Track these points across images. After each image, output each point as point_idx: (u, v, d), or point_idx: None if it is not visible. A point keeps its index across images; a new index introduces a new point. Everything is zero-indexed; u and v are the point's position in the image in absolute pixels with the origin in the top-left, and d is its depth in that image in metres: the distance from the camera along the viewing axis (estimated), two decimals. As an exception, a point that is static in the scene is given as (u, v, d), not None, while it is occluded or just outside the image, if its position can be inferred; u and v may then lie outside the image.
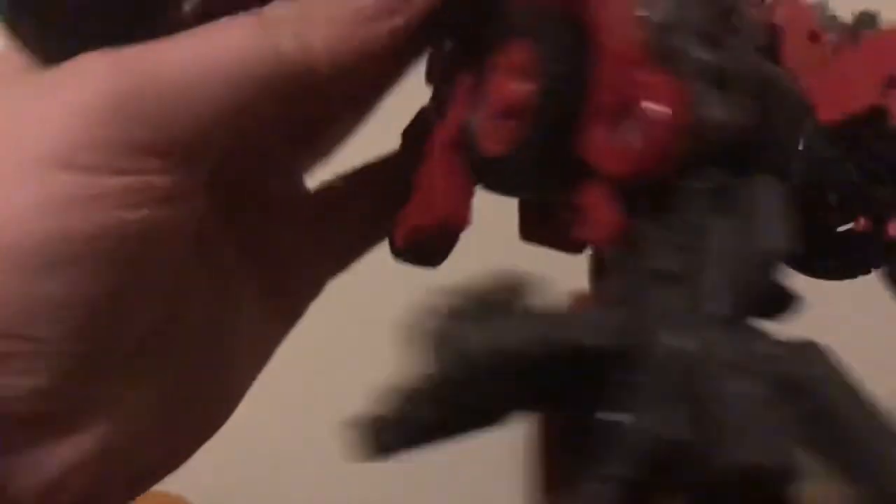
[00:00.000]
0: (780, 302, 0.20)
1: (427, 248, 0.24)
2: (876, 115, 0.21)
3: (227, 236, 0.26)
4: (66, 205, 0.20)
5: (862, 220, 0.22)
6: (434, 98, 0.26)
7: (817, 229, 0.22)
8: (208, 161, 0.22)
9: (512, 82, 0.22)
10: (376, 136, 0.28)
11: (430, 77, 0.26)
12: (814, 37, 0.25)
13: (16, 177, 0.20)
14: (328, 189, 0.28)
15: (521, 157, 0.21)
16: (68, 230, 0.20)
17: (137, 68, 0.21)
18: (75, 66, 0.21)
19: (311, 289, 0.28)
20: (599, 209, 0.21)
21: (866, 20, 0.25)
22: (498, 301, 0.19)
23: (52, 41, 0.21)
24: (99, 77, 0.20)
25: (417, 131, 0.26)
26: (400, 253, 0.25)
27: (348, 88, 0.24)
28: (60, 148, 0.20)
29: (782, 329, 0.20)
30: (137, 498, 0.24)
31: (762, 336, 0.19)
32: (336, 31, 0.21)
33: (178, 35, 0.21)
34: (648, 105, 0.19)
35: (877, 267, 0.22)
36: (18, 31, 0.21)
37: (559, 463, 0.21)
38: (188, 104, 0.21)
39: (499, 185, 0.23)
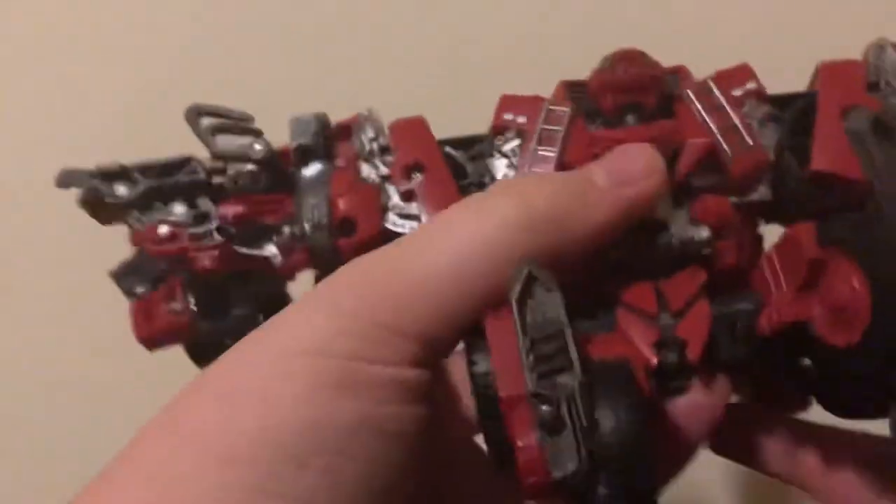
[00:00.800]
0: None
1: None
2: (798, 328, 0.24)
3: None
4: (324, 393, 0.21)
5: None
6: None
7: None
8: (446, 350, 0.23)
9: None
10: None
11: None
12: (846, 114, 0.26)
13: (277, 367, 0.22)
14: None
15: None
16: (324, 420, 0.21)
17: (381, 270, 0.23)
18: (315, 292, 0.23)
19: None
20: None
21: None
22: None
23: None
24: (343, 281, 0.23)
25: None
26: None
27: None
28: (316, 338, 0.22)
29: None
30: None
31: None
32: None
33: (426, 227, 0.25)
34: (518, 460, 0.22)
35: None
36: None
37: None
38: (432, 283, 0.23)
39: None
